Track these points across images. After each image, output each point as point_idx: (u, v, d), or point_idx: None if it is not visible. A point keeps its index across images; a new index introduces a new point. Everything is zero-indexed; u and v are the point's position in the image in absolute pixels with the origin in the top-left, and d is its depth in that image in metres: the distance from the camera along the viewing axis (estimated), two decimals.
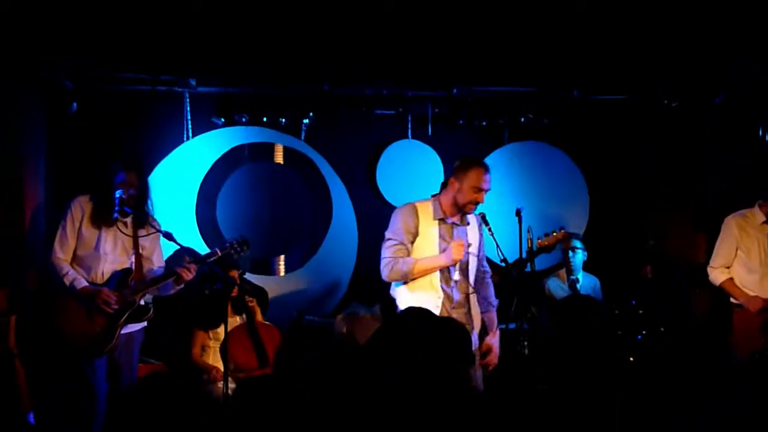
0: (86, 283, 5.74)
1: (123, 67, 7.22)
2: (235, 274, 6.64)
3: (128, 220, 5.89)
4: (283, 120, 7.96)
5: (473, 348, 5.46)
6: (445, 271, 5.56)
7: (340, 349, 6.80)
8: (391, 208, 7.90)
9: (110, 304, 5.69)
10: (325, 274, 8.13)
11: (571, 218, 8.37)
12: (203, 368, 6.76)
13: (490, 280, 5.91)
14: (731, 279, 6.76)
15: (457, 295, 5.59)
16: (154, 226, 5.93)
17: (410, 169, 8.15)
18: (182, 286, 5.91)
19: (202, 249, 7.55)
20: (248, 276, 7.39)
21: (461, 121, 8.29)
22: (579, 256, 7.70)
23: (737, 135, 8.04)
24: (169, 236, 5.88)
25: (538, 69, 7.52)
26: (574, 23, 6.56)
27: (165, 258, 6.15)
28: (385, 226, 5.61)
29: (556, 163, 8.61)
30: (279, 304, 7.73)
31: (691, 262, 8.13)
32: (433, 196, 5.83)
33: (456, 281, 5.59)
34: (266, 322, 7.03)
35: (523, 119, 8.33)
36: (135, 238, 5.92)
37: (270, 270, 8.25)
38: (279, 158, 8.14)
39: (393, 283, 5.67)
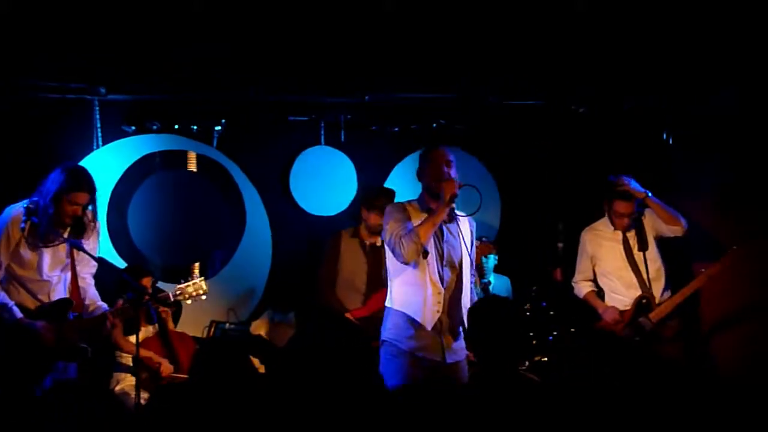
0: (20, 316, 5.47)
1: (31, 75, 7.07)
2: (147, 282, 6.55)
3: (65, 234, 5.65)
4: (195, 127, 7.89)
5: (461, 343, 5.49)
6: (441, 271, 5.49)
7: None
8: (305, 214, 7.98)
9: (45, 343, 5.45)
10: (239, 281, 8.08)
11: (484, 223, 8.46)
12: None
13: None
14: (593, 291, 6.93)
15: (451, 292, 5.52)
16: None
17: (323, 175, 8.15)
18: None
19: (115, 260, 7.48)
20: (161, 284, 7.30)
21: (374, 127, 8.33)
22: (491, 261, 7.80)
23: (644, 140, 8.20)
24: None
25: (452, 75, 7.58)
26: (486, 29, 6.64)
27: None
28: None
29: (468, 169, 8.68)
30: (193, 313, 7.65)
31: None
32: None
33: (451, 279, 5.53)
34: (179, 331, 6.96)
35: (435, 125, 8.40)
36: (71, 253, 5.70)
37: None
38: (192, 166, 8.05)
39: (390, 281, 5.59)
